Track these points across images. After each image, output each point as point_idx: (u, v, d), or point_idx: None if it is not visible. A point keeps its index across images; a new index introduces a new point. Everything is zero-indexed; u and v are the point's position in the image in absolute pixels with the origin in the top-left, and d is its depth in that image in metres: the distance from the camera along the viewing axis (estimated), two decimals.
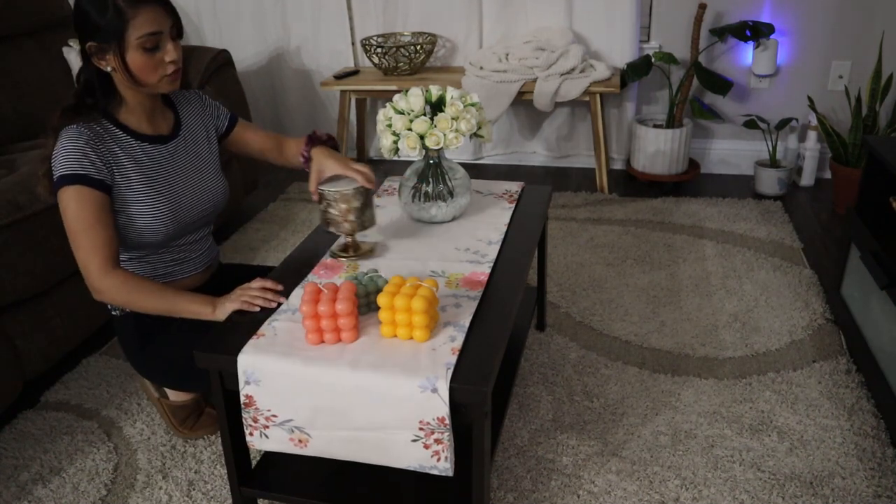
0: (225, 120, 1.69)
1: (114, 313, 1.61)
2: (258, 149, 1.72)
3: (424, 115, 1.56)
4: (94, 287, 1.42)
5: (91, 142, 1.40)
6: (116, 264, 1.42)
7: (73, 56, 2.67)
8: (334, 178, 1.51)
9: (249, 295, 1.37)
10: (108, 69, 1.40)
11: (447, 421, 1.14)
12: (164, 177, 1.52)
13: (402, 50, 3.07)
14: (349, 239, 1.55)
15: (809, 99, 2.92)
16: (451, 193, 1.66)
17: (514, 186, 1.91)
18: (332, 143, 1.62)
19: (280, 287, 1.40)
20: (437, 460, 1.19)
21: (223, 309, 1.38)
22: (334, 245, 1.59)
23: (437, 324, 1.27)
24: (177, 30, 1.42)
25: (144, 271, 1.57)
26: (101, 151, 1.41)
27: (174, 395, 1.73)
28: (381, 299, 1.22)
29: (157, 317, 1.56)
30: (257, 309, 1.36)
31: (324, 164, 1.52)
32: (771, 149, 2.98)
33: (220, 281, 1.72)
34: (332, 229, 1.51)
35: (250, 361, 1.21)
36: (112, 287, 1.40)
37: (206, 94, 1.69)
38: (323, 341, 1.24)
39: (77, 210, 1.38)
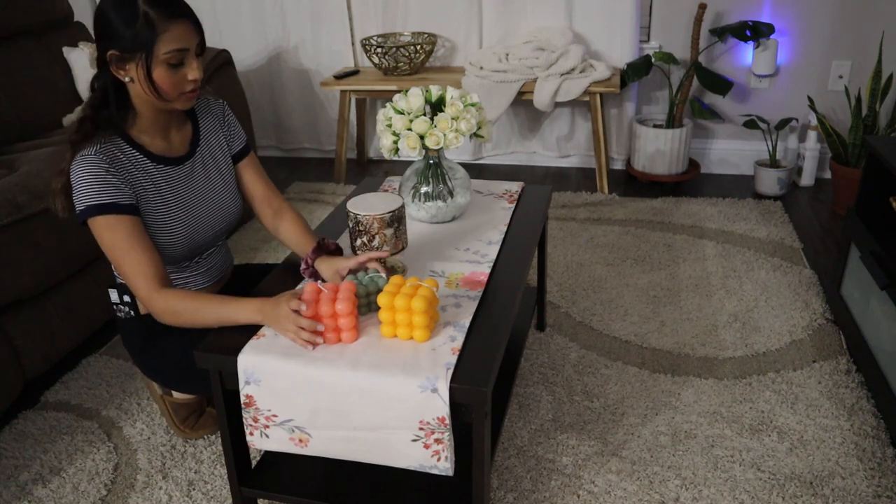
0: (238, 147, 1.61)
1: (118, 314, 1.59)
2: (248, 195, 1.65)
3: (424, 115, 1.56)
4: (148, 308, 1.37)
5: (111, 167, 1.36)
6: (164, 283, 1.36)
7: (73, 56, 2.67)
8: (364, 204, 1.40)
9: (301, 335, 1.23)
10: (127, 79, 1.36)
11: (447, 421, 1.14)
12: (181, 199, 1.48)
13: (402, 50, 3.07)
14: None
15: (809, 99, 2.92)
16: (450, 193, 1.66)
17: (514, 186, 1.91)
18: (338, 252, 1.49)
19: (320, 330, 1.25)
20: (438, 460, 1.19)
21: (271, 324, 1.27)
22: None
23: (437, 324, 1.27)
24: (201, 47, 1.39)
25: None
26: (122, 175, 1.37)
27: (178, 393, 1.73)
28: (382, 299, 1.22)
29: None
30: (309, 347, 1.23)
31: (335, 265, 1.39)
32: (771, 149, 2.98)
33: (235, 283, 1.72)
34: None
35: (250, 361, 1.22)
36: (161, 310, 1.34)
37: (229, 109, 1.62)
38: (323, 341, 1.24)
39: (112, 239, 1.35)
